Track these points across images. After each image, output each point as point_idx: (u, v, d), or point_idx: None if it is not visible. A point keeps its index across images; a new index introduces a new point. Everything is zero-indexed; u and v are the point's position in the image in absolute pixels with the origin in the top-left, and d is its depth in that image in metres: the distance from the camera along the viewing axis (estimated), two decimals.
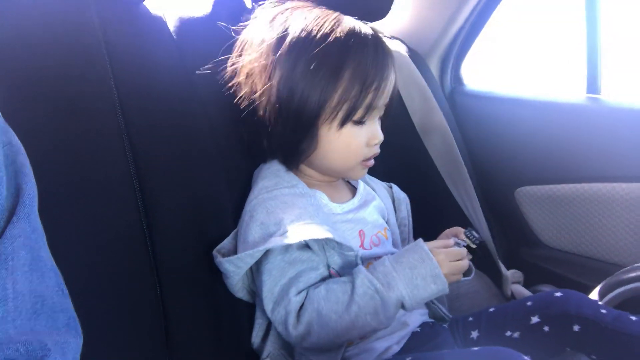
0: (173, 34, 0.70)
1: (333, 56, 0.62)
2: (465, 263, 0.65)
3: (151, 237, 0.57)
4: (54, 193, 0.48)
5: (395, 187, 0.86)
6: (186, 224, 0.62)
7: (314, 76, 0.62)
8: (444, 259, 0.62)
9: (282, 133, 0.66)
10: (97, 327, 0.43)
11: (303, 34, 0.63)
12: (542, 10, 1.58)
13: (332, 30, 0.63)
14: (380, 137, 0.70)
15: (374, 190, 0.81)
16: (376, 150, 0.71)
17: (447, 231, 0.75)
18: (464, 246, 0.68)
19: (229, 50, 0.70)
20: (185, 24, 0.72)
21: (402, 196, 0.85)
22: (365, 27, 0.67)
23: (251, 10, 0.81)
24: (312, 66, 0.61)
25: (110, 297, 0.52)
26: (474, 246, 0.70)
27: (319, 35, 0.63)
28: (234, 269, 0.60)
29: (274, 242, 0.58)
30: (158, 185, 0.59)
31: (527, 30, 1.68)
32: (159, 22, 0.69)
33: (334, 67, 0.63)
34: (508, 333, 0.71)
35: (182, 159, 0.63)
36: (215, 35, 0.73)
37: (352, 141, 0.67)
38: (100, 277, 0.52)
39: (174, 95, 0.65)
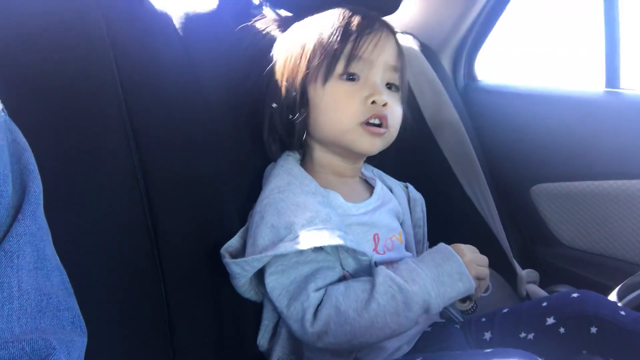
0: (179, 30, 0.70)
1: (320, 25, 0.68)
2: (488, 271, 0.64)
3: (156, 237, 0.57)
4: (58, 191, 0.48)
5: (411, 187, 0.84)
6: (191, 224, 0.61)
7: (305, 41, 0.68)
8: (470, 260, 0.61)
9: (280, 105, 0.68)
10: (101, 326, 0.43)
11: (304, 27, 0.69)
12: (558, 2, 1.54)
13: (331, 16, 0.68)
14: (379, 93, 0.65)
15: (391, 189, 0.79)
16: (377, 110, 0.65)
17: None
18: None
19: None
20: (191, 20, 0.71)
21: (417, 196, 0.83)
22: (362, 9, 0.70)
23: (258, 7, 0.80)
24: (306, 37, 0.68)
25: (114, 296, 0.52)
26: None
27: (318, 22, 0.69)
28: (241, 271, 0.59)
29: (284, 247, 0.57)
30: (164, 183, 0.59)
31: (543, 23, 1.64)
32: (165, 18, 0.69)
33: (317, 28, 0.67)
34: (522, 334, 0.70)
35: (187, 157, 0.63)
36: (222, 31, 0.73)
37: (338, 97, 0.65)
38: (104, 277, 0.52)
39: (179, 92, 0.65)
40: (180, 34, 0.69)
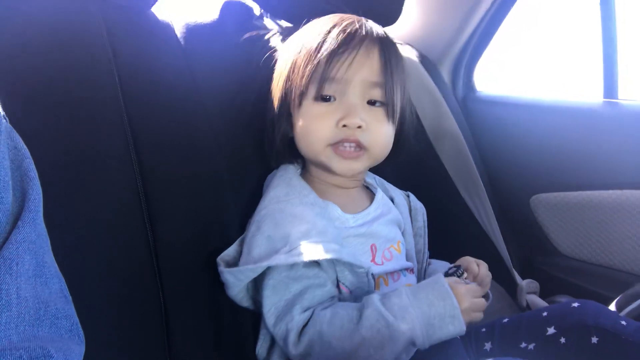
0: (180, 40, 0.70)
1: (298, 45, 0.66)
2: (483, 301, 0.63)
3: (155, 244, 0.57)
4: (58, 198, 0.48)
5: (412, 197, 0.84)
6: (190, 232, 0.61)
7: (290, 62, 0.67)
8: (468, 308, 0.59)
9: (272, 121, 0.69)
10: (98, 333, 0.43)
11: (289, 46, 0.69)
12: (556, 12, 1.56)
13: (309, 34, 0.67)
14: (353, 116, 0.62)
15: (392, 199, 0.79)
16: (348, 134, 0.63)
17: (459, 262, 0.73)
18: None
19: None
20: (193, 30, 0.72)
21: (418, 206, 0.83)
22: (348, 17, 0.68)
23: (260, 17, 0.81)
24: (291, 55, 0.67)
25: (112, 304, 0.52)
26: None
27: (298, 40, 0.68)
28: (235, 280, 0.59)
29: (278, 259, 0.57)
30: (163, 191, 0.59)
31: (541, 34, 1.66)
32: (167, 28, 0.69)
33: (297, 46, 0.66)
34: (523, 345, 0.69)
35: (188, 166, 0.63)
36: (223, 41, 0.74)
37: (312, 119, 0.64)
38: (102, 284, 0.51)
39: (180, 102, 0.65)
40: (182, 43, 0.70)
